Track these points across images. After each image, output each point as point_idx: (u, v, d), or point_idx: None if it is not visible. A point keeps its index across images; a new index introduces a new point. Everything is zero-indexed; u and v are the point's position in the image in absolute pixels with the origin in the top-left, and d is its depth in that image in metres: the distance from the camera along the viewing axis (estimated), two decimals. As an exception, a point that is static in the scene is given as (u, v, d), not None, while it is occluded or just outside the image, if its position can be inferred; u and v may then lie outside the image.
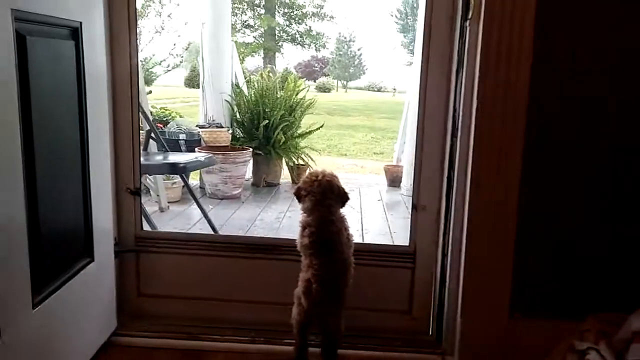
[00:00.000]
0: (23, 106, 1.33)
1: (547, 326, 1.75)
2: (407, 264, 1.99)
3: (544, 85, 1.60)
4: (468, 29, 1.60)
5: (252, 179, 4.95)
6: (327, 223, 1.70)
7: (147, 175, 3.77)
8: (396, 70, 33.27)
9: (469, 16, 1.58)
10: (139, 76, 2.04)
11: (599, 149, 1.67)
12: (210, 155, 3.56)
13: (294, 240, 1.80)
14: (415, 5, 24.85)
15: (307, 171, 1.79)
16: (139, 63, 2.07)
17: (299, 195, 1.78)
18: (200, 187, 4.61)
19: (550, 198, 1.71)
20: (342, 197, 1.76)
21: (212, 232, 3.22)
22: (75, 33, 1.62)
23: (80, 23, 1.63)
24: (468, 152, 1.66)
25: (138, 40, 2.04)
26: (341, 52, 32.22)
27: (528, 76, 1.54)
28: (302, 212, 1.76)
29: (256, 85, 4.91)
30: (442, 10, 1.73)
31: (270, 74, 5.00)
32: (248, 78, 5.42)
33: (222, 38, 4.86)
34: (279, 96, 4.77)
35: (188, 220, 3.81)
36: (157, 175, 3.88)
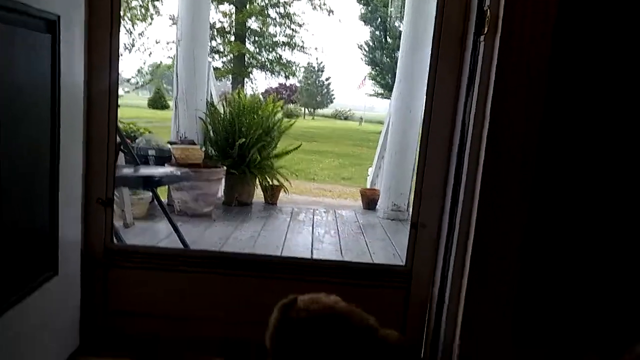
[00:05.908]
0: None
1: (549, 357, 1.66)
2: (401, 284, 1.87)
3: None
4: (482, 44, 1.53)
5: (223, 198, 4.76)
6: None
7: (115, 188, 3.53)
8: (363, 101, 33.82)
9: (484, 31, 1.51)
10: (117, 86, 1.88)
11: (608, 184, 1.59)
12: (186, 169, 3.37)
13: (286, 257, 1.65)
14: (383, 40, 25.43)
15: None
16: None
17: None
18: (168, 204, 4.38)
19: (558, 221, 1.64)
20: None
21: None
22: (52, 26, 1.48)
23: (58, 17, 1.50)
24: (477, 170, 1.58)
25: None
26: (309, 81, 32.47)
27: (544, 92, 1.47)
28: None
29: (232, 104, 4.78)
30: (452, 25, 1.67)
31: (241, 96, 4.88)
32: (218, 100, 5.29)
33: (199, 56, 4.73)
34: (257, 116, 4.65)
35: (155, 236, 3.58)
36: (123, 189, 3.66)
